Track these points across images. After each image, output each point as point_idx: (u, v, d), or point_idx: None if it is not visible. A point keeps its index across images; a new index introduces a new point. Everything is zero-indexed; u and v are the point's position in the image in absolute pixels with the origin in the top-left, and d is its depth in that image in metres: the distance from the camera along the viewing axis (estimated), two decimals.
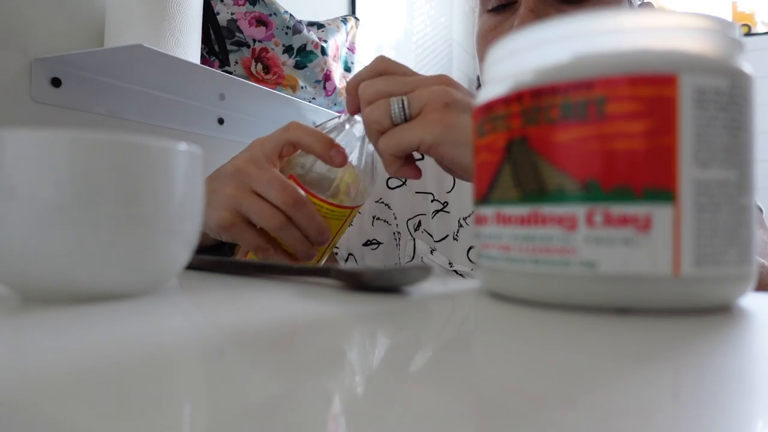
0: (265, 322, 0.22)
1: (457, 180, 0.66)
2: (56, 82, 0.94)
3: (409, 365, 0.16)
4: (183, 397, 0.13)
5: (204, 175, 0.29)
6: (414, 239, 0.68)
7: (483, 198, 0.27)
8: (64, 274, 0.24)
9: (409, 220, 0.69)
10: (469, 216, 0.65)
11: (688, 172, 0.21)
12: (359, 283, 0.29)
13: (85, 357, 0.16)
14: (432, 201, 0.68)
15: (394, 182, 0.70)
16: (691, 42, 0.22)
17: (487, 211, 0.26)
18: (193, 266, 0.39)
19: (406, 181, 0.69)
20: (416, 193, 0.69)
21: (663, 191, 0.21)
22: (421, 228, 0.68)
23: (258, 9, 1.10)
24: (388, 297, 0.27)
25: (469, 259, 0.63)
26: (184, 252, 0.28)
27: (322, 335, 0.19)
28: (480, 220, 0.27)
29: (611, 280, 0.22)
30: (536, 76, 0.23)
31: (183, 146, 0.27)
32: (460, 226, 0.65)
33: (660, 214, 0.21)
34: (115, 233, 0.25)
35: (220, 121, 1.21)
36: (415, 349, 0.18)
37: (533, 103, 0.23)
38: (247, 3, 1.09)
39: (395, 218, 0.70)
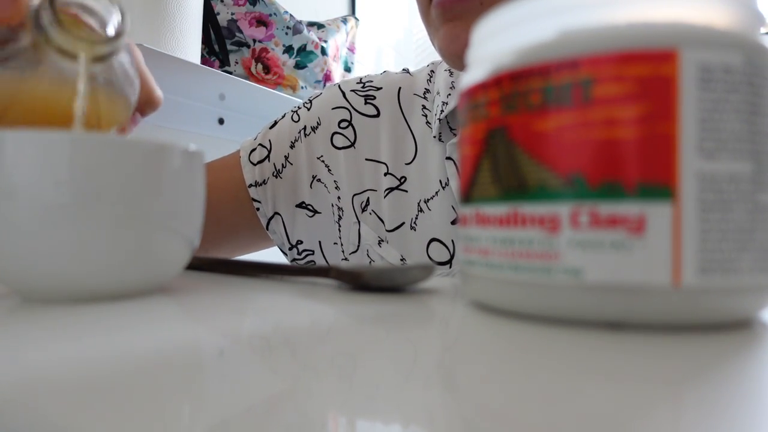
0: (265, 322, 0.22)
1: (419, 146, 0.51)
2: None
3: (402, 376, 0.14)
4: (183, 396, 0.13)
5: (205, 175, 0.29)
6: (359, 223, 0.53)
7: (464, 196, 0.24)
8: (64, 274, 0.24)
9: (356, 195, 0.53)
10: (432, 198, 0.50)
11: (690, 165, 0.18)
12: (359, 283, 0.29)
13: (85, 357, 0.16)
14: (385, 174, 0.52)
15: (340, 140, 0.54)
16: (695, 11, 0.19)
17: (467, 210, 0.23)
18: (193, 266, 0.39)
19: (355, 141, 0.53)
20: (366, 160, 0.53)
21: (660, 187, 0.18)
22: (369, 209, 0.52)
23: (258, 9, 1.10)
24: (388, 297, 0.27)
25: (429, 257, 0.49)
26: (184, 252, 0.28)
27: (322, 335, 0.19)
28: (462, 221, 0.24)
29: (599, 291, 0.19)
30: (517, 57, 0.21)
31: (183, 146, 0.27)
32: (420, 210, 0.50)
33: (656, 213, 0.18)
34: (115, 233, 0.25)
35: (220, 121, 1.20)
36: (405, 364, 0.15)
37: (513, 87, 0.21)
38: (247, 3, 1.09)
39: (337, 188, 0.54)
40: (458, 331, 0.21)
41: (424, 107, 0.53)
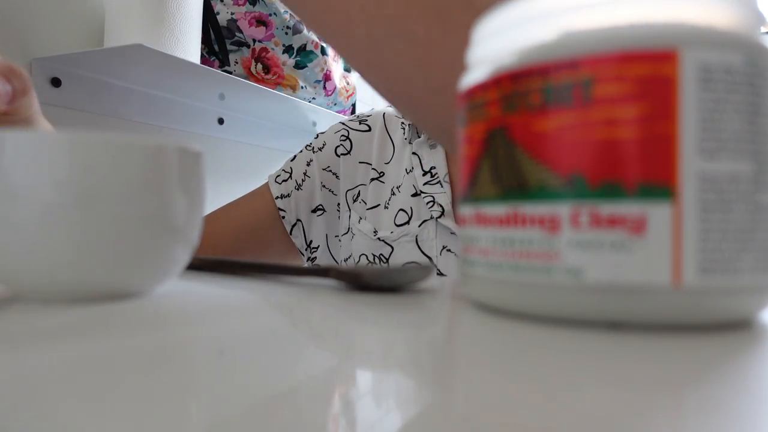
0: (265, 322, 0.22)
1: (396, 150, 0.70)
2: (56, 82, 0.94)
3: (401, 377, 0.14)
4: (183, 397, 0.13)
5: (205, 175, 0.29)
6: (350, 210, 0.70)
7: (464, 196, 0.24)
8: (64, 274, 0.24)
9: (348, 190, 0.71)
10: (401, 184, 0.67)
11: (690, 165, 0.18)
12: (359, 283, 0.29)
13: (85, 357, 0.16)
14: (371, 170, 0.70)
15: (341, 149, 0.71)
16: (695, 11, 0.19)
17: (467, 210, 0.24)
18: (193, 266, 0.39)
19: (351, 150, 0.72)
20: (359, 162, 0.71)
21: (660, 187, 0.18)
22: (359, 199, 0.70)
23: (258, 9, 1.10)
24: (388, 297, 0.27)
25: (395, 224, 0.65)
26: (184, 252, 0.28)
27: (322, 335, 0.20)
28: (461, 221, 0.24)
29: (600, 291, 0.19)
30: (516, 57, 0.21)
31: (183, 146, 0.27)
32: (393, 194, 0.67)
33: (656, 214, 0.18)
34: (115, 233, 0.25)
35: (220, 121, 1.20)
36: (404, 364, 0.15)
37: (513, 88, 0.21)
38: (247, 3, 1.09)
39: (341, 188, 0.71)
40: (458, 331, 0.21)
41: (402, 123, 0.71)
